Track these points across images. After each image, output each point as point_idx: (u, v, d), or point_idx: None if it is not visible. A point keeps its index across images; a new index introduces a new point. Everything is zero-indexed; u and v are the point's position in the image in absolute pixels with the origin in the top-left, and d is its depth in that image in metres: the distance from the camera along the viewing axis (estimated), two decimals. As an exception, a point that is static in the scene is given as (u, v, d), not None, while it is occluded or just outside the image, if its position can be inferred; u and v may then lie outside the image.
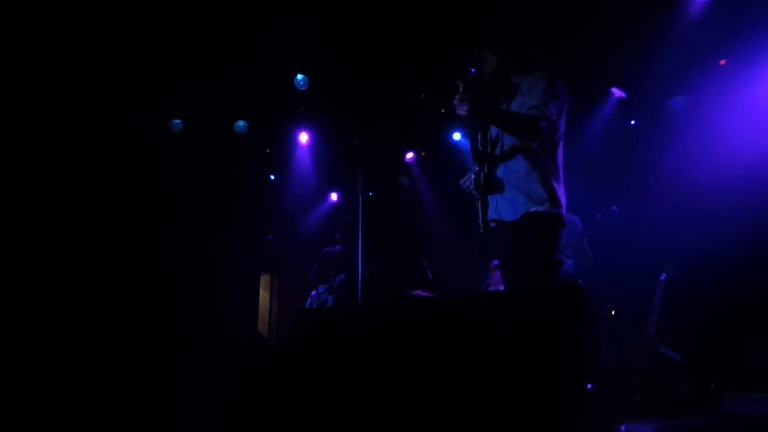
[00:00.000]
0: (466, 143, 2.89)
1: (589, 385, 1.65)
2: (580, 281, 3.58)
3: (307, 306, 5.18)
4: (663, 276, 3.88)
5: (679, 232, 4.38)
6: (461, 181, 2.73)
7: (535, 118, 2.46)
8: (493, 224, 2.57)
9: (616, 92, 5.20)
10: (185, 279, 5.51)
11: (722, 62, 4.73)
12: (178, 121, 5.62)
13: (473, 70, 2.54)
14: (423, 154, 6.63)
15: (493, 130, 2.61)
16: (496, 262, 4.14)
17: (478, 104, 2.48)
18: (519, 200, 2.47)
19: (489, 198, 2.57)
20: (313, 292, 5.19)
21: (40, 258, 4.09)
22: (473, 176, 2.58)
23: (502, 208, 2.52)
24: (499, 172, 2.54)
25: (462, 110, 2.46)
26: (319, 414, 1.81)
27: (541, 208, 2.45)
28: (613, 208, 4.26)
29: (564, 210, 2.53)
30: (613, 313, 3.82)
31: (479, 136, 2.61)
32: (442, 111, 5.73)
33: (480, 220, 2.58)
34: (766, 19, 4.14)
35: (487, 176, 2.54)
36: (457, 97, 2.46)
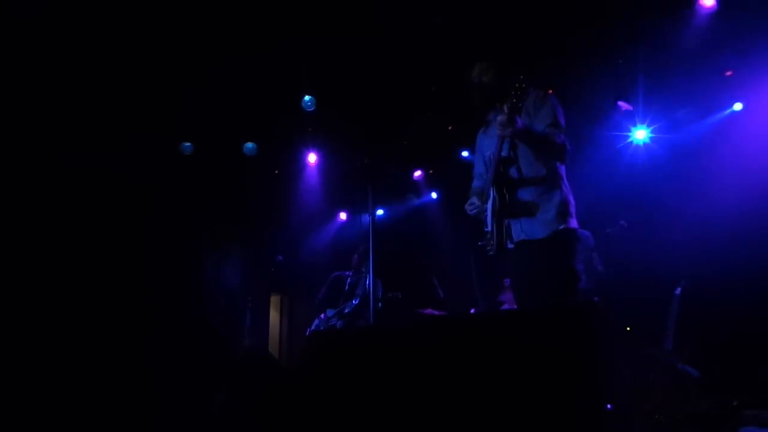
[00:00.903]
0: (479, 164, 2.88)
1: (609, 406, 1.61)
2: (596, 299, 3.53)
3: (313, 329, 5.11)
4: (678, 290, 3.83)
5: (694, 245, 4.33)
6: (467, 207, 2.72)
7: (559, 137, 2.50)
8: (510, 245, 2.56)
9: (623, 106, 5.18)
10: (196, 300, 5.52)
11: (729, 73, 4.71)
12: (188, 144, 5.67)
13: (531, 91, 2.54)
14: (431, 171, 6.63)
15: (505, 152, 2.60)
16: (509, 281, 4.10)
17: (519, 126, 2.46)
18: (549, 217, 2.50)
19: (511, 221, 2.57)
20: (322, 315, 5.12)
21: (53, 279, 4.10)
22: (493, 200, 2.57)
23: (529, 227, 2.52)
24: (521, 193, 2.55)
25: (507, 132, 2.43)
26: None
27: (566, 225, 2.50)
28: (622, 222, 4.22)
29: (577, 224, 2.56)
30: (628, 329, 3.76)
31: (496, 158, 2.59)
32: (449, 128, 5.74)
33: (494, 242, 2.57)
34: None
35: (511, 198, 2.54)
36: (505, 117, 2.40)
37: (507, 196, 2.53)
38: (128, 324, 4.27)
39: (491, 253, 2.58)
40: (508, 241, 2.58)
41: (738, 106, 4.80)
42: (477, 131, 2.92)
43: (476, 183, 2.92)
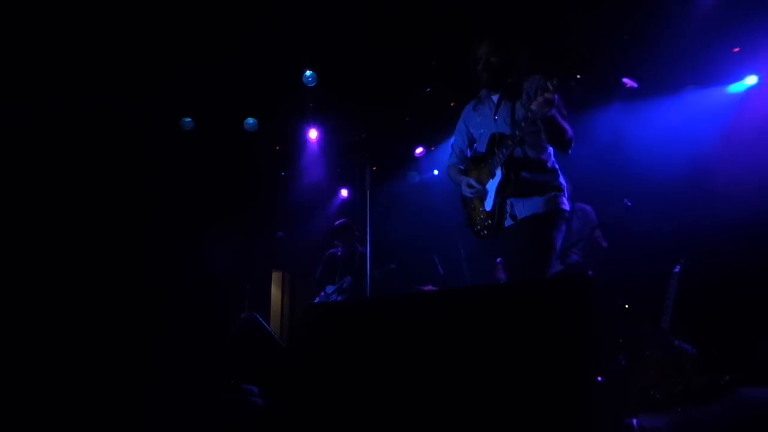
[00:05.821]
0: (462, 139, 2.89)
1: (599, 378, 1.63)
2: (590, 272, 3.54)
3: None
4: (677, 268, 3.83)
5: (694, 223, 4.32)
6: (466, 190, 2.72)
7: (571, 130, 2.58)
8: (510, 223, 2.59)
9: (628, 82, 5.12)
10: (196, 276, 5.55)
11: (736, 50, 4.64)
12: (189, 119, 5.65)
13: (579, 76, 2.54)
14: (432, 148, 6.59)
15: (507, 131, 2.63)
16: (500, 260, 4.11)
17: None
18: (549, 197, 2.57)
19: (513, 200, 2.60)
20: (322, 293, 5.18)
21: (47, 254, 4.13)
22: (501, 180, 2.60)
23: (531, 205, 2.57)
24: (526, 174, 2.59)
25: (546, 111, 2.37)
26: (330, 410, 1.80)
27: (562, 205, 2.59)
28: (627, 202, 4.20)
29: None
30: (626, 306, 3.78)
31: (501, 140, 2.63)
32: (452, 105, 5.69)
33: (494, 222, 2.60)
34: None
35: (517, 179, 2.58)
36: (551, 96, 2.36)
37: (513, 176, 2.57)
38: (127, 306, 4.31)
39: (485, 233, 2.62)
40: (508, 219, 2.62)
41: (753, 79, 4.72)
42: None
43: (453, 159, 2.92)
